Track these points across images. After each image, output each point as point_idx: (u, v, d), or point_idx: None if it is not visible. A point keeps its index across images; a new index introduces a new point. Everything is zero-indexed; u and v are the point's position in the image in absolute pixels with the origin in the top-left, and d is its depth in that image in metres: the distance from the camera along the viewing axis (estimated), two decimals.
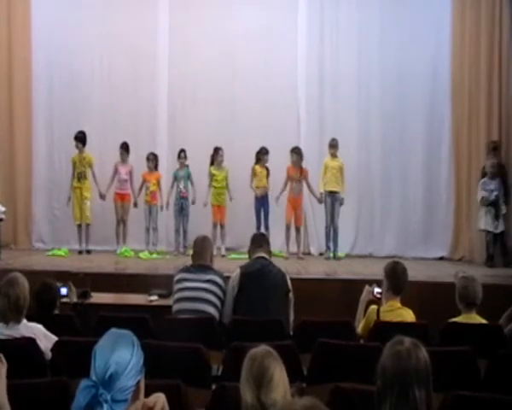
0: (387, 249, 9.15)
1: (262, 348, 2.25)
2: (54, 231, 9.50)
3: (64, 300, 4.59)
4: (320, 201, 8.70)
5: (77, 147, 8.71)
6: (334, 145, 8.62)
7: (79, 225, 8.79)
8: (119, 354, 1.97)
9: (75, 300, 4.78)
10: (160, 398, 2.18)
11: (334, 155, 8.64)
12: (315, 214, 9.23)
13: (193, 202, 8.85)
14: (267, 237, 5.10)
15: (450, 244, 9.18)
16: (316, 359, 3.57)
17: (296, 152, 8.61)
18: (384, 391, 2.07)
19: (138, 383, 2.03)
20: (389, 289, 4.27)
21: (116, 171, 8.81)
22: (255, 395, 2.11)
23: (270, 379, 2.14)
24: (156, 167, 8.93)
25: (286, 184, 8.72)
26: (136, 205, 8.84)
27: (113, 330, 2.09)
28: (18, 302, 3.53)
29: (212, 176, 8.80)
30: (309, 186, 8.74)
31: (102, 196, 8.84)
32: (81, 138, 8.72)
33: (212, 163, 8.81)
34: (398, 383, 2.04)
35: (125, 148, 8.81)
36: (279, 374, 2.17)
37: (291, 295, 4.60)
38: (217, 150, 8.75)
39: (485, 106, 9.04)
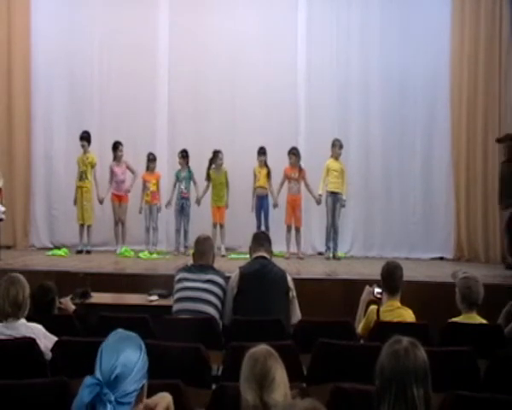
0: (387, 250, 9.13)
1: (263, 348, 2.24)
2: (53, 231, 9.49)
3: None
4: (318, 202, 8.70)
5: (82, 147, 8.73)
6: (340, 145, 8.59)
7: (81, 225, 8.79)
8: (127, 356, 1.95)
9: (73, 307, 4.74)
10: (163, 399, 2.17)
11: (337, 157, 8.60)
12: (314, 215, 9.22)
13: (198, 203, 8.80)
14: (269, 236, 5.08)
15: (450, 244, 9.19)
16: (316, 359, 3.57)
17: (294, 153, 8.61)
18: (382, 391, 2.07)
19: (143, 387, 2.01)
20: (385, 289, 4.32)
21: (112, 173, 8.80)
22: (257, 395, 2.11)
23: (273, 380, 2.14)
24: (155, 167, 8.93)
25: (282, 185, 8.73)
26: (140, 211, 8.84)
27: (121, 330, 2.07)
28: (17, 298, 3.56)
29: (210, 179, 8.78)
30: (307, 186, 8.73)
31: (100, 201, 8.85)
32: (86, 138, 8.73)
33: (210, 166, 8.75)
34: (396, 382, 2.04)
35: (115, 147, 8.77)
36: (280, 374, 2.17)
37: (292, 293, 4.54)
38: (216, 153, 8.71)
39: (484, 107, 9.05)
